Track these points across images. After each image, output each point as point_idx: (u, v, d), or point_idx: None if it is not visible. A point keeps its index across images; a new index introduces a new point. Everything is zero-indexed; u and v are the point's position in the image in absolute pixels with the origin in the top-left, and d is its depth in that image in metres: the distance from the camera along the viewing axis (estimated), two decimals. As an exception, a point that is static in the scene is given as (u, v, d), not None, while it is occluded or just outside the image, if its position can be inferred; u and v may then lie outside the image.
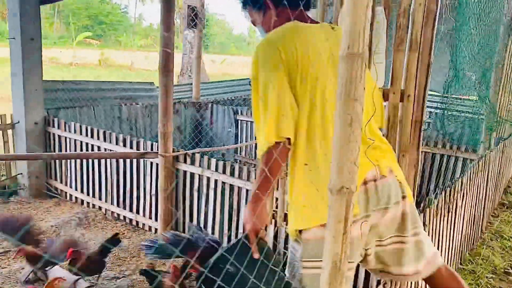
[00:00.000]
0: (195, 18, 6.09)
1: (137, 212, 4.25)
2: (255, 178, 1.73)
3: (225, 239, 3.66)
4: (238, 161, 6.47)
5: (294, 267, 1.79)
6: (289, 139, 1.63)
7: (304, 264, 1.68)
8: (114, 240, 3.17)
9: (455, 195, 3.13)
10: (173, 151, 3.79)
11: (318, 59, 1.67)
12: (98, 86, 5.92)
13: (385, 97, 2.24)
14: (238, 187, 3.51)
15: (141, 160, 4.11)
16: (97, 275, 3.09)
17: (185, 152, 3.86)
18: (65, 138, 4.77)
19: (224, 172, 3.58)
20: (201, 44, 6.42)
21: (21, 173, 4.92)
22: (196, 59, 6.36)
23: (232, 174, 3.53)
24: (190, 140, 6.51)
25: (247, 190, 3.46)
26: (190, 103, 6.62)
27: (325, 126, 1.66)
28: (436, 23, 2.20)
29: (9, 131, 4.90)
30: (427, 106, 2.98)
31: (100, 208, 4.57)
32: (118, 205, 4.40)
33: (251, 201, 1.68)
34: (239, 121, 6.61)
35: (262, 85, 1.64)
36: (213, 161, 3.65)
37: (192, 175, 3.82)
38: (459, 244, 3.49)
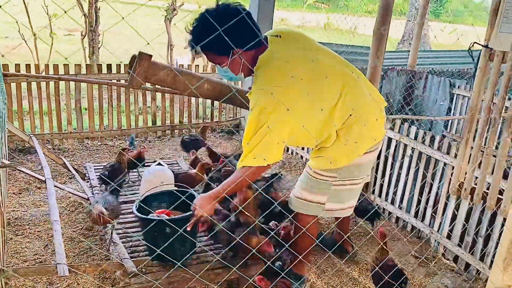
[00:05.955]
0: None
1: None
2: (228, 180, 2.11)
3: (413, 210, 3.65)
4: (444, 137, 6.03)
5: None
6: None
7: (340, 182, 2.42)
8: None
9: None
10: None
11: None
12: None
13: None
14: (436, 160, 3.41)
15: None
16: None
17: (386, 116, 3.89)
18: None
19: (423, 142, 3.51)
20: (426, 11, 6.05)
21: (243, 117, 5.80)
22: (417, 25, 6.07)
23: (431, 145, 3.44)
24: (397, 109, 6.38)
25: (444, 164, 3.33)
26: (403, 71, 6.43)
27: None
28: None
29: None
30: None
31: (302, 156, 5.07)
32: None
33: (212, 196, 2.10)
34: (455, 95, 6.07)
35: None
36: (413, 129, 3.61)
37: (389, 140, 3.86)
38: None
